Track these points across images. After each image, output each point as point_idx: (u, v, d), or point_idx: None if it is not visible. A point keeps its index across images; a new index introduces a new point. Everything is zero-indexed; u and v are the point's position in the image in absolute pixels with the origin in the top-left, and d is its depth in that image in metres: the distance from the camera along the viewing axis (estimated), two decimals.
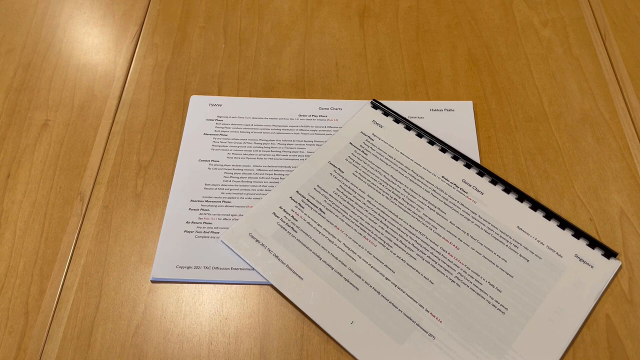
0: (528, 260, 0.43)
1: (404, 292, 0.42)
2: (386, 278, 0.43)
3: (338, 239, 0.44)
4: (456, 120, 0.52)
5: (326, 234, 0.45)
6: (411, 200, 0.46)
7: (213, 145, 0.51)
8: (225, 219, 0.46)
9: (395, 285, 0.42)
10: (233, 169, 0.49)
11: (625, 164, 0.49)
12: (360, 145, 0.50)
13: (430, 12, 0.61)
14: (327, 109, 0.53)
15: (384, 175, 0.48)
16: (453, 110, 0.53)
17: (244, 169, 0.49)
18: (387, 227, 0.45)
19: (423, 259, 0.43)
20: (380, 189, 0.47)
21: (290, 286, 0.42)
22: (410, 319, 0.41)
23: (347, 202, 0.46)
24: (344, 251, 0.44)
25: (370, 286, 0.42)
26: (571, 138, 0.51)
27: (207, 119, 0.53)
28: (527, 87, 0.54)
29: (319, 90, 0.55)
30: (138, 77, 0.56)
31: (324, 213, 0.46)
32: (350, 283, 0.42)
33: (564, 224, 0.45)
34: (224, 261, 0.44)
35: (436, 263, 0.43)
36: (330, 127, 0.52)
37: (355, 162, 0.49)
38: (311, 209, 0.46)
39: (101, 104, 0.54)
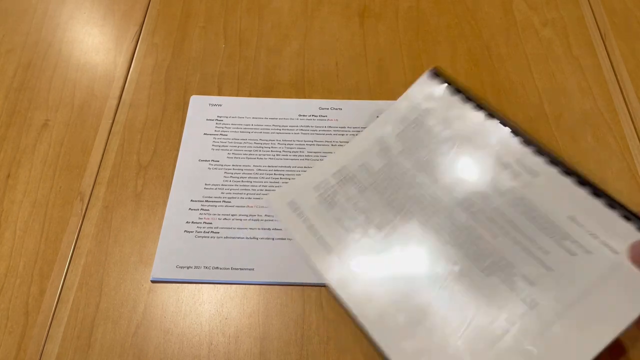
0: (575, 255, 0.39)
1: (432, 271, 0.41)
2: (414, 260, 0.42)
3: (375, 217, 0.44)
4: None
5: (364, 211, 0.44)
6: (456, 181, 0.44)
7: (213, 145, 0.51)
8: (225, 218, 0.46)
9: (421, 266, 0.41)
10: (233, 169, 0.49)
11: (625, 164, 0.49)
12: (413, 120, 0.47)
13: (430, 12, 0.61)
14: (327, 109, 0.53)
15: (432, 153, 0.45)
16: None
17: (244, 169, 0.49)
18: (427, 207, 0.43)
19: (455, 245, 0.42)
20: (426, 167, 0.45)
21: (322, 257, 0.42)
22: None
23: (390, 180, 0.45)
24: (379, 229, 0.43)
25: (395, 260, 0.42)
26: (571, 138, 0.51)
27: (207, 119, 0.53)
28: (527, 87, 0.54)
29: (319, 90, 0.55)
30: (138, 77, 0.56)
31: (366, 190, 0.45)
32: (380, 259, 0.42)
33: (628, 216, 0.39)
34: (224, 261, 0.44)
35: (469, 249, 0.41)
36: (330, 127, 0.52)
37: (405, 139, 0.46)
38: (353, 185, 0.45)
39: (101, 104, 0.55)
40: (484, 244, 0.41)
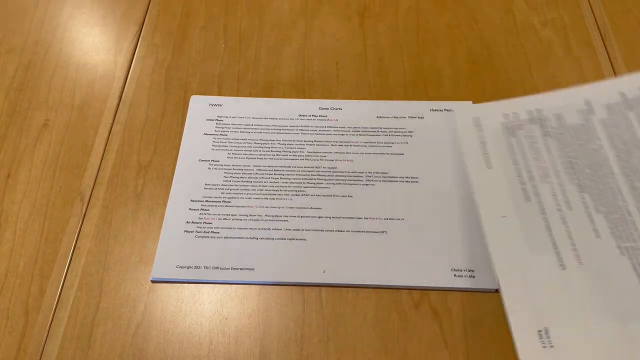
0: None
1: (566, 225, 0.43)
2: (560, 208, 0.44)
3: (541, 162, 0.46)
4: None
5: (537, 153, 0.46)
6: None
7: (213, 145, 0.51)
8: (225, 218, 0.46)
9: (563, 217, 0.43)
10: (233, 169, 0.49)
11: None
12: (632, 98, 0.48)
13: (430, 12, 0.61)
14: (327, 109, 0.53)
15: (635, 140, 0.46)
16: (453, 110, 0.53)
17: (244, 169, 0.49)
18: (599, 179, 0.45)
19: (607, 218, 0.43)
20: (618, 147, 0.46)
21: (480, 172, 0.46)
22: (554, 243, 0.42)
23: (577, 141, 0.47)
24: (540, 171, 0.45)
25: (540, 205, 0.44)
26: None
27: (207, 119, 0.53)
28: (527, 87, 0.54)
29: (319, 90, 0.55)
30: (138, 77, 0.56)
31: (549, 138, 0.47)
32: (526, 193, 0.44)
33: None
34: (224, 261, 0.44)
35: (617, 227, 0.42)
36: (330, 127, 0.52)
37: (613, 112, 0.48)
38: (540, 128, 0.47)
39: (101, 104, 0.55)
40: (635, 230, 0.42)
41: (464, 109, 0.51)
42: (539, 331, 0.39)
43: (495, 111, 0.50)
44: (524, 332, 0.39)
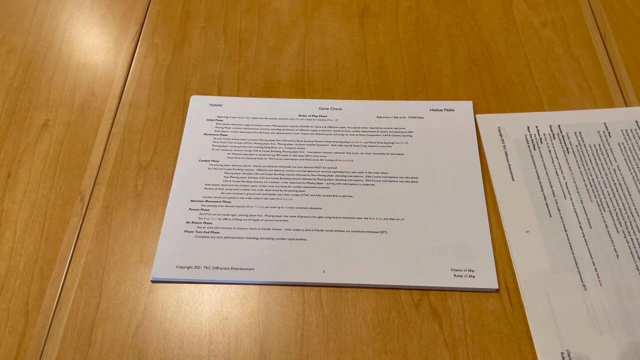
0: None
1: (587, 244, 0.44)
2: (581, 226, 0.45)
3: (562, 178, 0.47)
4: (456, 120, 0.52)
5: (556, 169, 0.48)
6: None
7: (213, 145, 0.51)
8: (225, 218, 0.46)
9: (584, 236, 0.44)
10: (233, 169, 0.49)
11: None
12: None
13: (430, 12, 0.61)
14: (327, 109, 0.53)
15: None
16: (453, 110, 0.53)
17: (244, 169, 0.49)
18: (618, 199, 0.46)
19: (626, 235, 0.44)
20: (634, 170, 0.47)
21: (503, 183, 0.47)
22: (576, 262, 0.43)
23: (595, 161, 0.48)
24: (561, 187, 0.47)
25: (562, 222, 0.45)
26: None
27: (207, 119, 0.53)
28: (527, 87, 0.54)
29: (319, 90, 0.55)
30: (138, 77, 0.56)
31: (568, 154, 0.48)
32: (548, 209, 0.46)
33: None
34: (224, 261, 0.44)
35: (635, 248, 0.44)
36: (330, 127, 0.52)
37: (631, 138, 0.49)
38: (561, 144, 0.49)
39: (101, 104, 0.55)
40: None
41: (486, 118, 0.51)
42: (562, 353, 0.39)
43: (518, 122, 0.51)
44: (548, 353, 0.40)
